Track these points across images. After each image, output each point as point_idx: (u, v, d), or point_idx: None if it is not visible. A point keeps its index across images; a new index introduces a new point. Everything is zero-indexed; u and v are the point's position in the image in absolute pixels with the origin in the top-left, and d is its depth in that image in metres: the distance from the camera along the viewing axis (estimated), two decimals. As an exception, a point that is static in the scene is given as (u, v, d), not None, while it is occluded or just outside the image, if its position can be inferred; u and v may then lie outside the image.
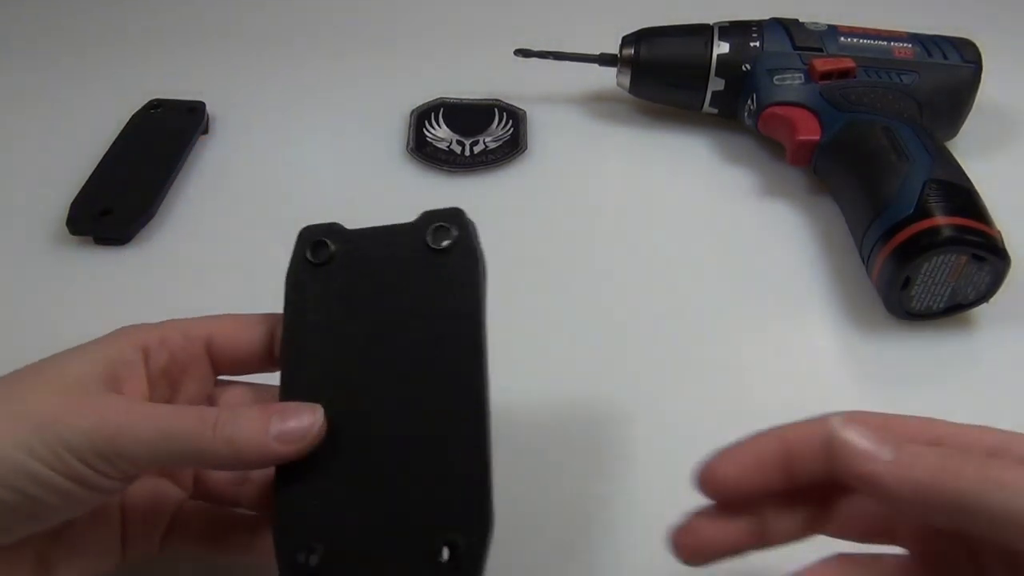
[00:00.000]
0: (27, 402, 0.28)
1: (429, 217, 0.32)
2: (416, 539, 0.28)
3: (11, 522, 0.28)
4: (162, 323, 0.33)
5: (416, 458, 0.29)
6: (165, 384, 0.32)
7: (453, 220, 0.32)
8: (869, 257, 0.46)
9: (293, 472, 0.30)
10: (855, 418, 0.27)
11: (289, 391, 0.31)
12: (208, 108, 0.60)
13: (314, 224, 0.34)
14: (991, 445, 0.27)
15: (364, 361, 0.31)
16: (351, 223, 0.33)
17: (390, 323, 0.31)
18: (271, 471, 0.30)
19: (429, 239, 0.32)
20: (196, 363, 0.33)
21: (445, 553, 0.28)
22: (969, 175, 0.47)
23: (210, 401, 0.34)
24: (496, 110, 0.61)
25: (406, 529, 0.28)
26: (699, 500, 0.29)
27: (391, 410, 0.30)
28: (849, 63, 0.54)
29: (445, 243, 0.31)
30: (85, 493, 0.28)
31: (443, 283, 0.31)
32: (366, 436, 0.30)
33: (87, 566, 0.32)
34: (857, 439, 0.26)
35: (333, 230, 0.33)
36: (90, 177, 0.54)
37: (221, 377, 0.34)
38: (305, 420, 0.29)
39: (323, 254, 0.33)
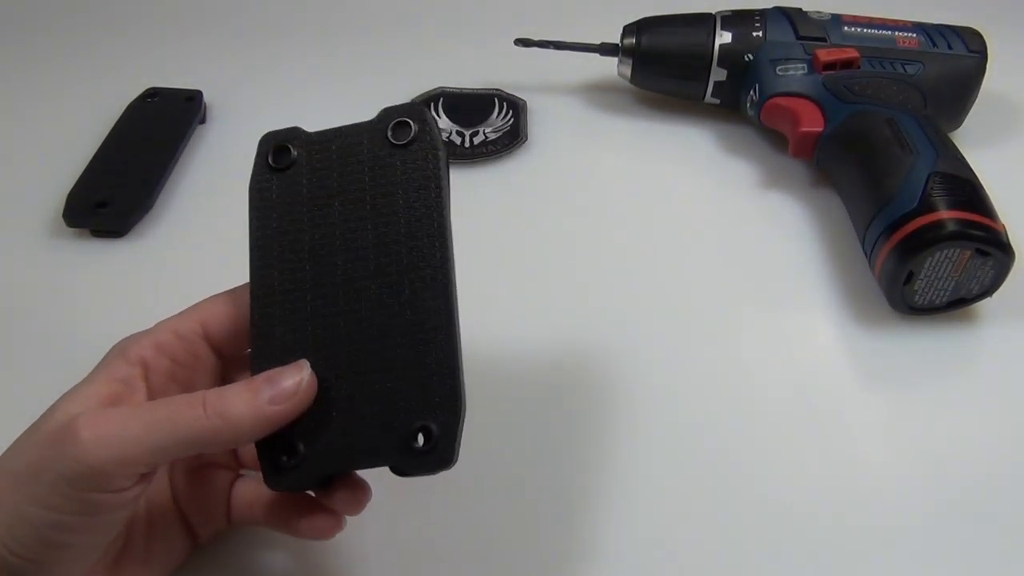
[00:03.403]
0: (23, 459, 0.28)
1: (389, 113, 0.33)
2: (392, 428, 0.29)
3: (65, 566, 0.28)
4: (153, 328, 0.32)
5: (388, 351, 0.30)
6: (175, 388, 0.32)
7: (413, 115, 0.32)
8: (872, 251, 0.46)
9: None
10: None
11: (260, 300, 0.32)
12: (205, 97, 0.60)
13: (274, 130, 0.34)
14: None
15: (332, 264, 0.32)
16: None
17: (356, 221, 0.32)
18: None
19: (390, 135, 0.32)
20: (198, 359, 0.33)
21: (420, 439, 0.29)
22: (973, 167, 0.47)
23: None
24: (496, 100, 0.61)
25: (382, 420, 0.30)
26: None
27: (362, 306, 0.31)
28: (853, 53, 0.53)
29: (406, 139, 0.32)
30: (109, 510, 0.28)
31: (405, 179, 0.32)
32: (339, 334, 0.31)
33: (164, 561, 0.33)
34: None
35: (294, 134, 0.34)
36: (86, 168, 0.53)
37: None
38: (294, 378, 0.29)
39: (285, 159, 0.33)
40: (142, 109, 0.58)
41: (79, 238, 0.51)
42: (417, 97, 0.61)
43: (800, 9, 0.57)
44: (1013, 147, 0.58)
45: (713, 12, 0.58)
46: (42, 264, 0.49)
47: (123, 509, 0.29)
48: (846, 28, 0.56)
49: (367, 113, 0.61)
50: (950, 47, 0.55)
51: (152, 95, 0.59)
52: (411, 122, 0.32)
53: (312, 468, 0.30)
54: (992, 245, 0.42)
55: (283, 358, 0.31)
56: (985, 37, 0.55)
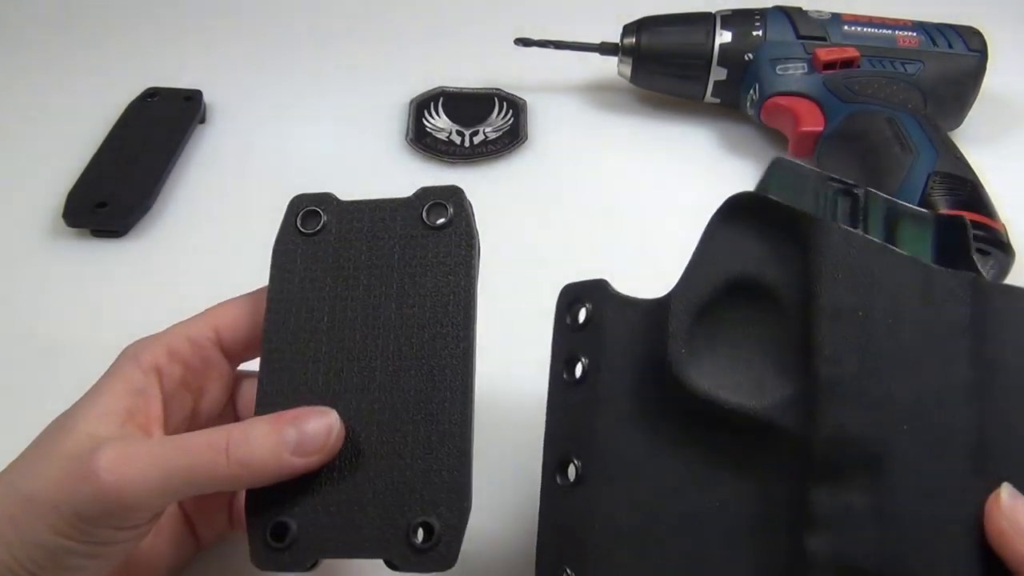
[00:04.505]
0: (42, 481, 0.27)
1: (426, 193, 0.32)
2: (393, 519, 0.28)
3: None
4: (165, 333, 0.32)
5: (397, 438, 0.29)
6: (187, 394, 0.32)
7: (450, 198, 0.31)
8: (872, 250, 0.46)
9: None
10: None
11: (271, 369, 0.30)
12: (205, 97, 0.60)
13: (306, 192, 0.33)
14: None
15: (350, 338, 0.30)
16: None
17: (380, 298, 0.31)
18: None
19: (424, 216, 0.31)
20: (211, 365, 0.32)
21: (420, 535, 0.28)
22: (973, 166, 0.47)
23: (233, 398, 0.34)
24: (496, 100, 0.61)
25: (383, 508, 0.28)
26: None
27: (375, 388, 0.30)
28: (853, 52, 0.53)
29: (440, 221, 0.31)
30: (124, 541, 0.28)
31: (435, 263, 0.31)
32: (348, 412, 0.30)
33: (170, 563, 0.33)
34: None
35: (326, 200, 0.33)
36: (86, 168, 0.53)
37: (242, 368, 0.34)
38: (321, 425, 0.28)
39: (314, 224, 0.32)
40: (142, 109, 0.58)
41: (79, 238, 0.51)
42: (417, 97, 0.61)
43: (800, 8, 0.57)
44: (1013, 147, 0.58)
45: (713, 11, 0.58)
46: (42, 264, 0.49)
47: (137, 539, 0.29)
48: (846, 27, 0.56)
49: (367, 112, 0.61)
50: (950, 46, 0.55)
51: (152, 95, 0.59)
52: (447, 205, 0.31)
53: (302, 551, 0.29)
54: (992, 244, 0.42)
55: None
56: (985, 36, 0.55)
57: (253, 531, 0.29)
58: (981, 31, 0.56)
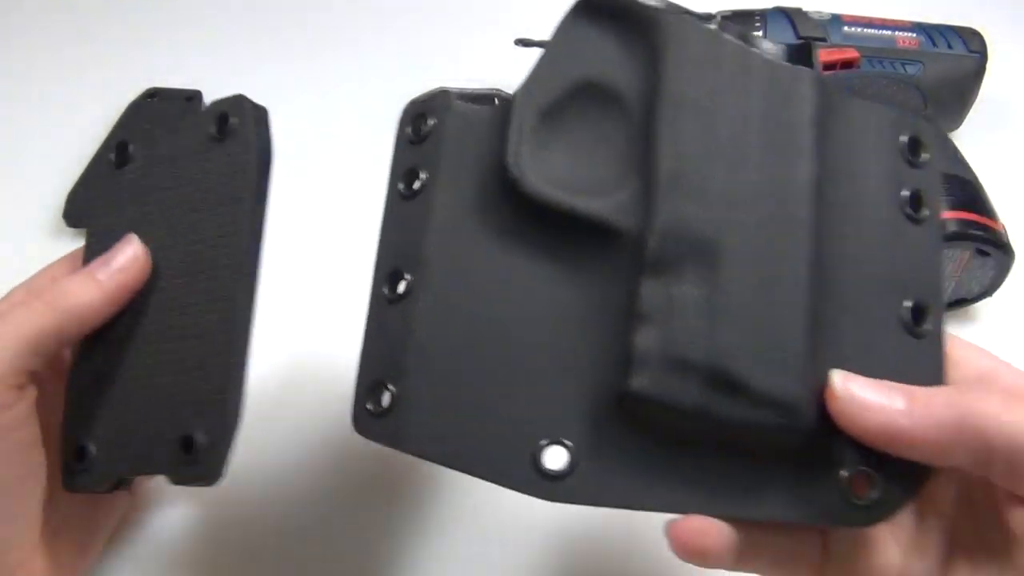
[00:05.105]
0: None
1: (213, 107, 0.32)
2: (168, 433, 0.29)
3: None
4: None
5: (179, 354, 0.29)
6: None
7: (234, 108, 0.31)
8: (872, 251, 0.46)
9: (78, 373, 0.31)
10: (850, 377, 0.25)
11: None
12: (205, 97, 0.59)
13: (131, 127, 0.36)
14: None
15: (154, 259, 0.31)
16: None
17: (174, 217, 0.31)
18: None
19: (210, 128, 0.31)
20: None
21: (188, 448, 0.28)
22: (973, 167, 0.47)
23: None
24: (496, 100, 0.60)
25: (159, 424, 0.29)
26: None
27: (163, 307, 0.30)
28: (853, 53, 0.53)
29: (225, 133, 0.31)
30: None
31: (221, 173, 0.31)
32: (140, 332, 0.31)
33: (106, 521, 0.34)
34: (864, 392, 0.25)
35: (143, 136, 0.34)
36: (86, 168, 0.53)
37: None
38: (126, 253, 0.30)
39: (123, 156, 0.33)
40: (142, 109, 0.58)
41: (79, 238, 0.50)
42: (417, 98, 0.61)
43: (800, 9, 0.57)
44: (1013, 147, 0.58)
45: (713, 12, 0.58)
46: (42, 264, 0.49)
47: (17, 429, 0.29)
48: (846, 28, 0.55)
49: (367, 113, 0.61)
50: (950, 47, 0.55)
51: (152, 95, 0.59)
52: (231, 115, 0.31)
53: (99, 473, 0.30)
54: (992, 245, 0.42)
55: None
56: (985, 37, 0.55)
57: (63, 456, 0.30)
58: (981, 32, 0.56)
